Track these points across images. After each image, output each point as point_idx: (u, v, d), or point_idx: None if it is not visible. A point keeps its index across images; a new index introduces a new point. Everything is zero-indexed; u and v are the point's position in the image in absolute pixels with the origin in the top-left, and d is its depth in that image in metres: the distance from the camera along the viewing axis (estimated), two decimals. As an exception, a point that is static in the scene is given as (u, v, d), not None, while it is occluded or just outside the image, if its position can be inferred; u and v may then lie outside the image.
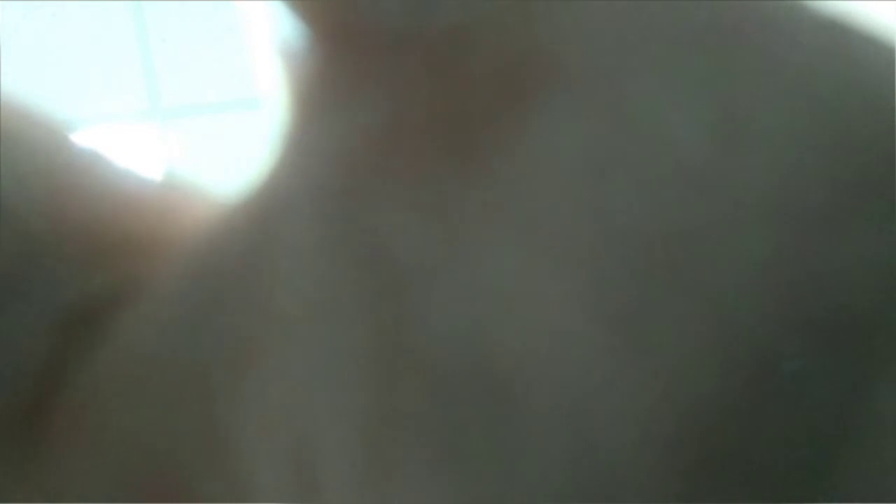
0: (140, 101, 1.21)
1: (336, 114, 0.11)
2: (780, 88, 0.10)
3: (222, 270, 0.11)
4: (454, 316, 0.10)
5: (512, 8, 0.11)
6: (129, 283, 0.12)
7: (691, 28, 0.10)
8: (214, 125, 1.21)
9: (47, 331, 0.12)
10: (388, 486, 0.10)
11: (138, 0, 1.20)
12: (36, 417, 0.12)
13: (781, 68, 0.10)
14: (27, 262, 0.12)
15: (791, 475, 0.10)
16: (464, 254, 0.10)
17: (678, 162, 0.10)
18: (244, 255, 0.11)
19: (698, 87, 0.10)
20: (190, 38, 1.21)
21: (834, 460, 0.10)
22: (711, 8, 0.10)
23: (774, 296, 0.10)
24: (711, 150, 0.10)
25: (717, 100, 0.10)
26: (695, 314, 0.10)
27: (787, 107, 0.10)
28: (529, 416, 0.10)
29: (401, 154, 0.11)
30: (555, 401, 0.10)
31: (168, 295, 0.12)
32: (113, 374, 0.12)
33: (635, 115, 0.10)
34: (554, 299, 0.10)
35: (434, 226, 0.10)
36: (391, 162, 0.11)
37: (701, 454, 0.10)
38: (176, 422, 0.11)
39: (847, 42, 0.10)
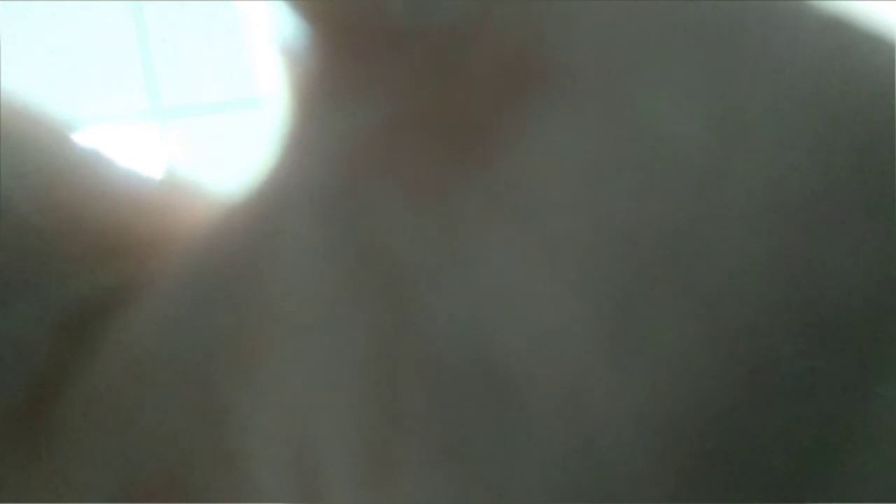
0: (140, 101, 1.21)
1: (336, 113, 0.11)
2: (780, 87, 0.10)
3: (222, 270, 0.11)
4: (454, 315, 0.10)
5: (512, 7, 0.11)
6: (130, 282, 0.12)
7: (691, 27, 0.10)
8: (214, 125, 1.21)
9: (48, 329, 0.12)
10: (389, 486, 0.10)
11: (138, 0, 1.20)
12: (36, 417, 0.12)
13: (781, 67, 0.10)
14: (28, 261, 0.12)
15: (789, 475, 0.10)
16: (464, 254, 0.10)
17: (678, 161, 0.10)
18: (244, 255, 0.11)
19: (698, 86, 0.10)
20: (190, 38, 1.21)
21: (833, 460, 0.10)
22: (711, 7, 0.10)
23: (774, 295, 0.10)
24: (711, 149, 0.10)
25: (717, 99, 0.10)
26: (694, 313, 0.10)
27: (788, 106, 0.10)
28: (529, 415, 0.10)
29: (401, 153, 0.11)
30: (554, 400, 0.10)
31: (168, 294, 0.12)
32: (113, 373, 0.12)
33: (635, 113, 0.10)
34: (554, 299, 0.10)
35: (434, 226, 0.10)
36: (391, 162, 0.11)
37: (700, 454, 0.10)
38: (176, 421, 0.11)
39: (847, 41, 0.10)
